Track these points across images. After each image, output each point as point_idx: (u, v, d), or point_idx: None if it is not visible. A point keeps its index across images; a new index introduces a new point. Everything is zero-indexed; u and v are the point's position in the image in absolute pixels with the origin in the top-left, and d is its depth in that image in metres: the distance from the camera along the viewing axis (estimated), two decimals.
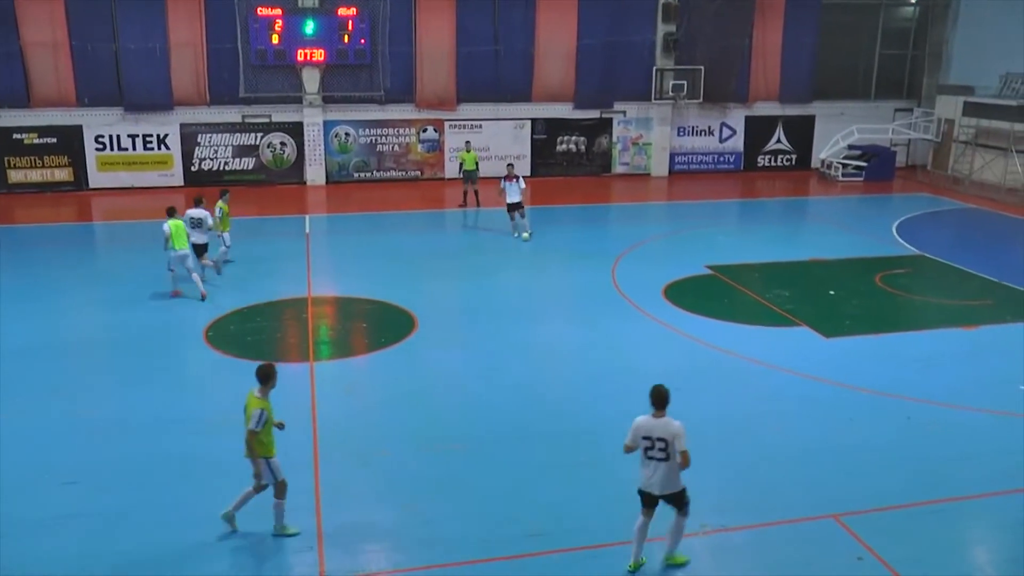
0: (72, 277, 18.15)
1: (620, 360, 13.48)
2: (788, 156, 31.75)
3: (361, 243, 21.17)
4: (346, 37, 26.51)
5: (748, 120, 31.03)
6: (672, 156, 30.58)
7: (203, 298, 15.99)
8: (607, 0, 28.32)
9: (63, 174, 26.28)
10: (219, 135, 27.10)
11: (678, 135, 30.57)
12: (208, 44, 26.38)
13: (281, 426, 8.77)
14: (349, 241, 21.69)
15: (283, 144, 27.64)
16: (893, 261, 19.46)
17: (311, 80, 26.99)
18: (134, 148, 26.60)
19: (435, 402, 12.04)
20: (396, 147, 28.44)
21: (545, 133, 29.35)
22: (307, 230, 22.17)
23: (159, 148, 26.78)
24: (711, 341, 14.25)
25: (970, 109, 28.92)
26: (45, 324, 14.92)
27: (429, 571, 8.25)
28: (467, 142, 26.20)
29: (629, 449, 8.11)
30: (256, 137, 27.40)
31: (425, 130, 28.45)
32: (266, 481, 8.59)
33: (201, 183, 26.14)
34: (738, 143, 31.19)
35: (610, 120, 29.77)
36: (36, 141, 25.86)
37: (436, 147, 28.66)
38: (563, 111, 29.30)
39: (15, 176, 25.95)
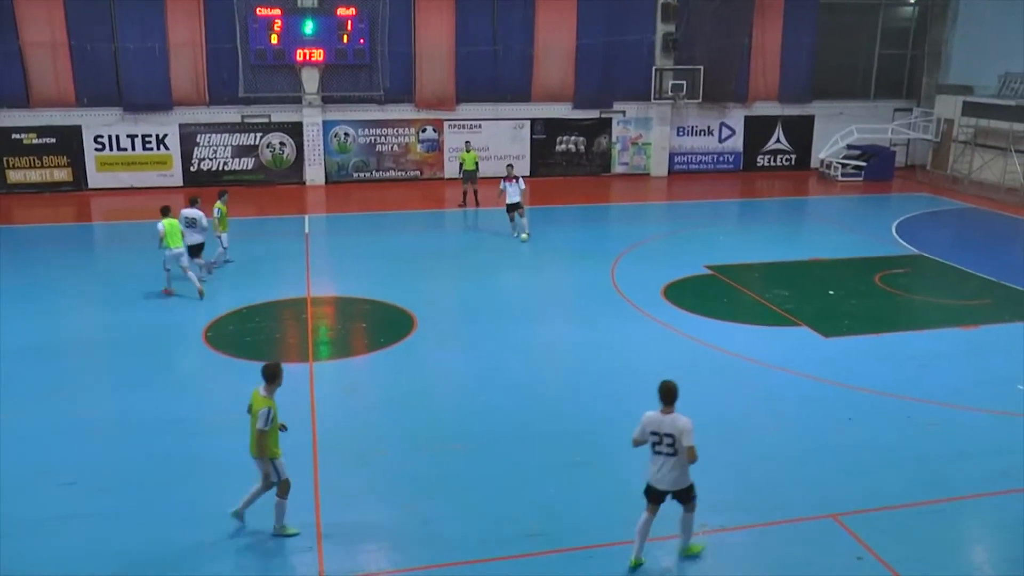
0: (71, 277, 18.16)
1: (619, 360, 13.48)
2: (787, 156, 31.76)
3: (360, 243, 21.17)
4: (345, 37, 26.50)
5: (747, 120, 31.04)
6: (671, 156, 30.58)
7: (201, 295, 16.01)
8: (606, 0, 28.33)
9: (62, 174, 26.27)
10: (218, 135, 27.09)
11: (677, 135, 30.58)
12: (207, 44, 26.38)
13: (283, 428, 8.78)
14: (348, 241, 21.68)
15: (282, 144, 27.64)
16: (892, 261, 19.47)
17: (310, 80, 26.99)
18: (133, 148, 26.59)
19: (434, 402, 12.04)
20: (395, 147, 28.44)
21: (544, 133, 29.36)
22: (306, 230, 22.17)
23: (158, 148, 26.77)
24: (710, 341, 14.25)
25: (969, 109, 28.93)
26: (44, 324, 14.92)
27: (428, 571, 8.25)
28: (467, 142, 26.21)
29: (637, 443, 8.17)
30: (255, 137, 27.40)
31: (424, 130, 28.45)
32: (273, 479, 8.58)
33: (200, 183, 26.13)
34: (737, 143, 31.20)
35: (609, 120, 29.77)
36: (35, 141, 25.85)
37: (435, 147, 28.66)
38: (562, 111, 29.30)
39: (14, 176, 25.94)
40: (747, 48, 30.24)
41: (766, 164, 31.65)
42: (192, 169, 27.07)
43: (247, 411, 8.62)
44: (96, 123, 26.22)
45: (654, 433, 7.99)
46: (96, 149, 26.38)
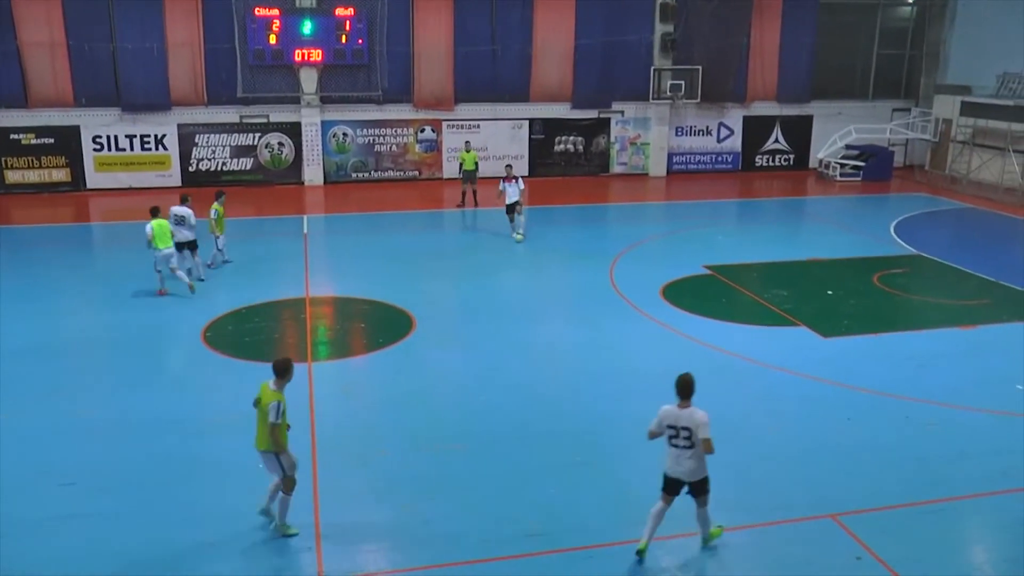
0: (71, 277, 18.15)
1: (619, 360, 13.48)
2: (786, 156, 31.78)
3: (359, 243, 21.16)
4: (344, 37, 26.50)
5: (746, 120, 31.06)
6: (670, 156, 30.59)
7: (191, 290, 16.18)
8: (605, 0, 28.34)
9: (61, 174, 26.25)
10: (217, 135, 27.07)
11: (676, 135, 30.59)
12: (206, 44, 26.36)
13: (287, 428, 8.75)
14: (347, 241, 21.66)
15: (281, 144, 27.62)
16: (891, 261, 19.49)
17: (309, 80, 26.97)
18: (132, 148, 26.57)
19: (434, 402, 12.04)
20: (394, 147, 28.44)
21: (543, 133, 29.36)
22: (305, 230, 22.16)
23: (157, 148, 26.75)
24: (709, 341, 14.25)
25: (967, 109, 28.96)
26: (44, 324, 14.91)
27: (428, 571, 8.26)
28: (467, 142, 26.20)
29: (652, 435, 8.27)
30: (254, 137, 27.38)
31: (423, 130, 28.45)
32: (286, 473, 8.53)
33: (199, 183, 26.10)
34: (736, 143, 31.21)
35: (608, 120, 29.78)
36: (33, 141, 25.83)
37: (434, 147, 28.66)
38: (561, 111, 29.31)
39: (12, 177, 25.91)
40: (745, 48, 30.26)
41: (764, 164, 31.67)
42: (191, 169, 27.05)
43: (254, 404, 8.55)
44: (94, 123, 26.19)
45: (671, 427, 8.08)
46: (94, 149, 26.35)
